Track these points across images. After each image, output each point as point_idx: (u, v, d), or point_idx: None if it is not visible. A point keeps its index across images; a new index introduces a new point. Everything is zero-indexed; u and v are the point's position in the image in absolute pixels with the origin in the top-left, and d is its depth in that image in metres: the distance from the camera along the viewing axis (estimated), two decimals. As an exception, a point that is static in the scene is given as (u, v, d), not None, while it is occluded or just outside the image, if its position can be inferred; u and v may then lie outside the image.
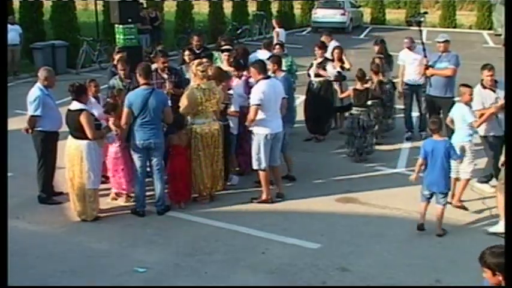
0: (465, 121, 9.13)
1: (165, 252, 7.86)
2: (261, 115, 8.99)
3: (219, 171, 9.37)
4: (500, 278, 3.91)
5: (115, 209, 9.20)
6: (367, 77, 11.76)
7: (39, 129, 9.15)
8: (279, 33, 20.53)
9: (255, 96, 9.00)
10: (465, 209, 9.05)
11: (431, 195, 8.34)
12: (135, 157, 8.84)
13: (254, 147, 9.17)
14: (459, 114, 9.24)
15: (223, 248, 7.96)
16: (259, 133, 9.08)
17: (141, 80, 8.81)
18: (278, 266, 7.49)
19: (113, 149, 9.16)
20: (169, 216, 8.94)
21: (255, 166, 9.28)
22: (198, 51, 11.84)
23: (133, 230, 8.50)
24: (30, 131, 9.23)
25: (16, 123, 11.79)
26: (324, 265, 7.50)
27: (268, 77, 9.27)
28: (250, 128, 9.18)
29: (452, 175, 8.76)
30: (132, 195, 9.29)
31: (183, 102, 9.08)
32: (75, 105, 8.53)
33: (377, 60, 12.45)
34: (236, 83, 10.28)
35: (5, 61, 7.60)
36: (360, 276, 7.27)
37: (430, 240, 8.18)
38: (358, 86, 11.49)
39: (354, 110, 11.47)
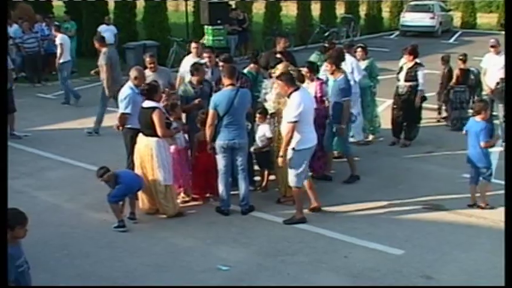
0: None
1: (248, 252, 7.93)
2: (300, 129, 8.45)
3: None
4: None
5: (199, 206, 9.35)
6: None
7: (129, 126, 9.38)
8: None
9: (291, 112, 8.37)
10: None
11: (476, 174, 9.05)
12: (220, 157, 8.91)
13: (294, 164, 8.60)
14: None
15: (306, 250, 7.96)
16: (300, 148, 8.54)
17: (226, 81, 8.90)
18: (361, 271, 7.42)
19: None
20: (253, 216, 8.99)
21: (293, 183, 8.72)
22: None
23: (217, 228, 8.61)
24: (120, 128, 9.50)
25: (108, 121, 12.19)
26: (408, 272, 7.39)
27: (298, 88, 8.65)
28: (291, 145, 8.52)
29: None
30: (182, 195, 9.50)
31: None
32: (148, 103, 8.65)
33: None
34: (308, 85, 9.98)
35: (5, 61, 7.81)
36: (444, 285, 7.12)
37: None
38: (462, 66, 13.60)
39: (457, 88, 13.54)
